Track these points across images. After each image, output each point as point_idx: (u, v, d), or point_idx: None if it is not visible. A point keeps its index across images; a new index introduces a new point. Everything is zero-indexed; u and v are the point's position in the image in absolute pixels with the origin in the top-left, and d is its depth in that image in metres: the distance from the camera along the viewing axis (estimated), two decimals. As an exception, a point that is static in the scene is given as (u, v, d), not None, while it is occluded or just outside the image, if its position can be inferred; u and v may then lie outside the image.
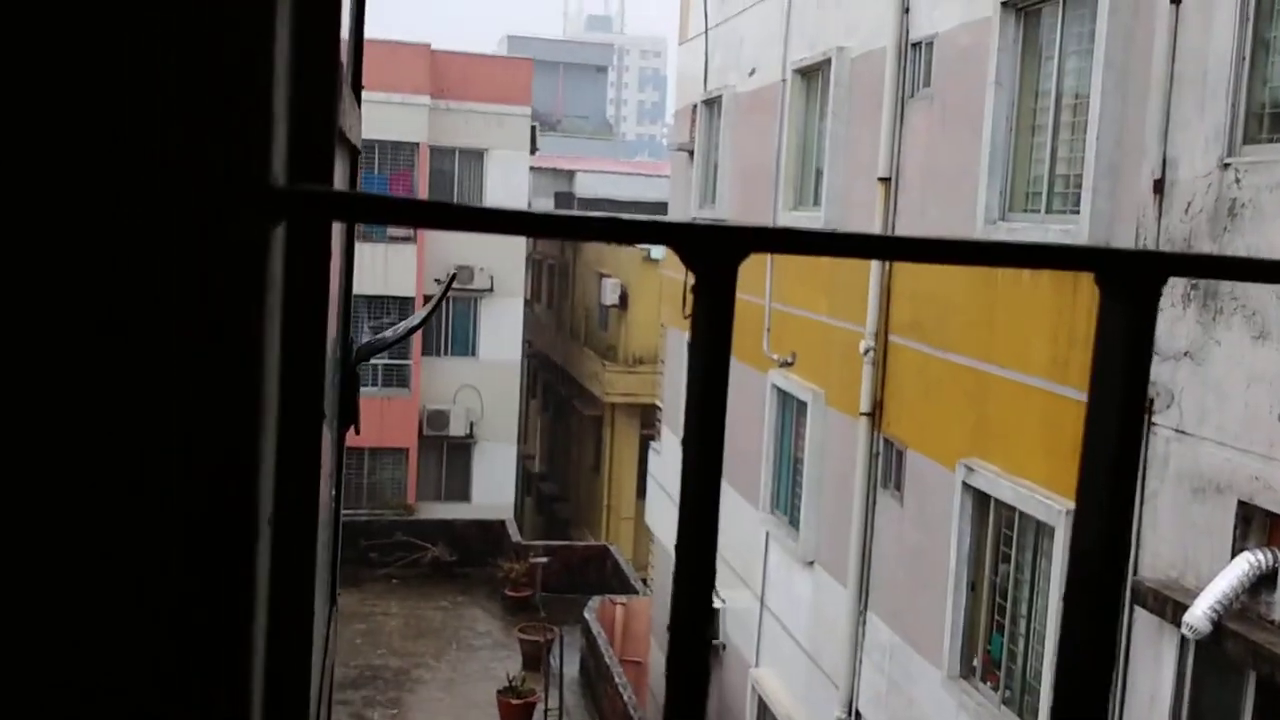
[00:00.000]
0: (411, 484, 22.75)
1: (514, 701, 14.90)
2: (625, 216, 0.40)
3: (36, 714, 0.46)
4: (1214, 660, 5.66)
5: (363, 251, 20.86)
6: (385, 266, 21.53)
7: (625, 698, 13.84)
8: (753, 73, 12.48)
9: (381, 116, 20.78)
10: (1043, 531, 7.20)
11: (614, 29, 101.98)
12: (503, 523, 21.71)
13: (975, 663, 7.97)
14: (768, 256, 11.37)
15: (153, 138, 0.45)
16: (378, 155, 22.14)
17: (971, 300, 8.01)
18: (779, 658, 11.36)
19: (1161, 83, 6.09)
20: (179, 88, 0.45)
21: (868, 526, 9.40)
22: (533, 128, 23.84)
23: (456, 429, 22.83)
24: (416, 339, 22.14)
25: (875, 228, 9.16)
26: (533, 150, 24.03)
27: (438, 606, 19.28)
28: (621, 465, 22.44)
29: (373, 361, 21.84)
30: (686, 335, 0.50)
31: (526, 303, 25.70)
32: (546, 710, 14.80)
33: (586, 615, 16.39)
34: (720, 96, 13.35)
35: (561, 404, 26.37)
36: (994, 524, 7.75)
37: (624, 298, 22.32)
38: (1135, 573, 6.14)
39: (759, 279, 11.56)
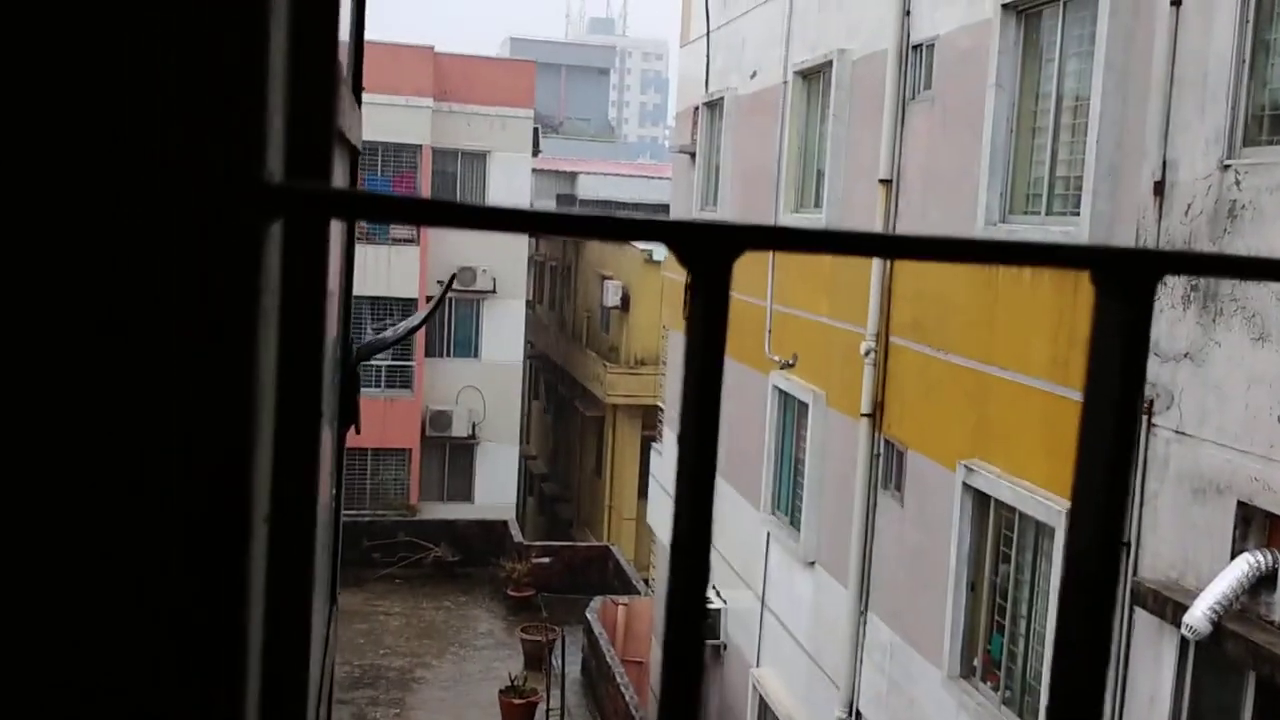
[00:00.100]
0: (414, 484, 22.77)
1: (516, 701, 14.91)
2: (620, 215, 0.41)
3: (36, 714, 0.46)
4: (1214, 661, 5.67)
5: (366, 253, 20.91)
6: (388, 268, 21.55)
7: (627, 697, 13.85)
8: (754, 75, 12.50)
9: (384, 119, 20.81)
10: (1043, 532, 7.22)
11: (616, 31, 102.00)
12: (505, 523, 21.73)
13: (975, 663, 7.98)
14: (769, 258, 11.39)
15: (147, 135, 0.45)
16: (381, 157, 22.17)
17: (972, 301, 8.03)
18: (780, 658, 11.37)
19: (1162, 85, 6.11)
20: (173, 85, 0.45)
21: (868, 527, 9.42)
22: (535, 130, 23.87)
23: (459, 430, 22.85)
24: (419, 340, 22.16)
25: (876, 230, 9.18)
26: (535, 152, 24.05)
27: (440, 606, 19.29)
28: (623, 466, 22.45)
29: (376, 362, 21.86)
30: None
31: (529, 304, 25.72)
32: (548, 710, 14.81)
33: (588, 615, 16.40)
34: (722, 98, 13.37)
35: (563, 405, 26.38)
36: (994, 524, 7.76)
37: (626, 299, 22.33)
38: (1135, 573, 6.15)
39: (760, 280, 11.57)
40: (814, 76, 11.03)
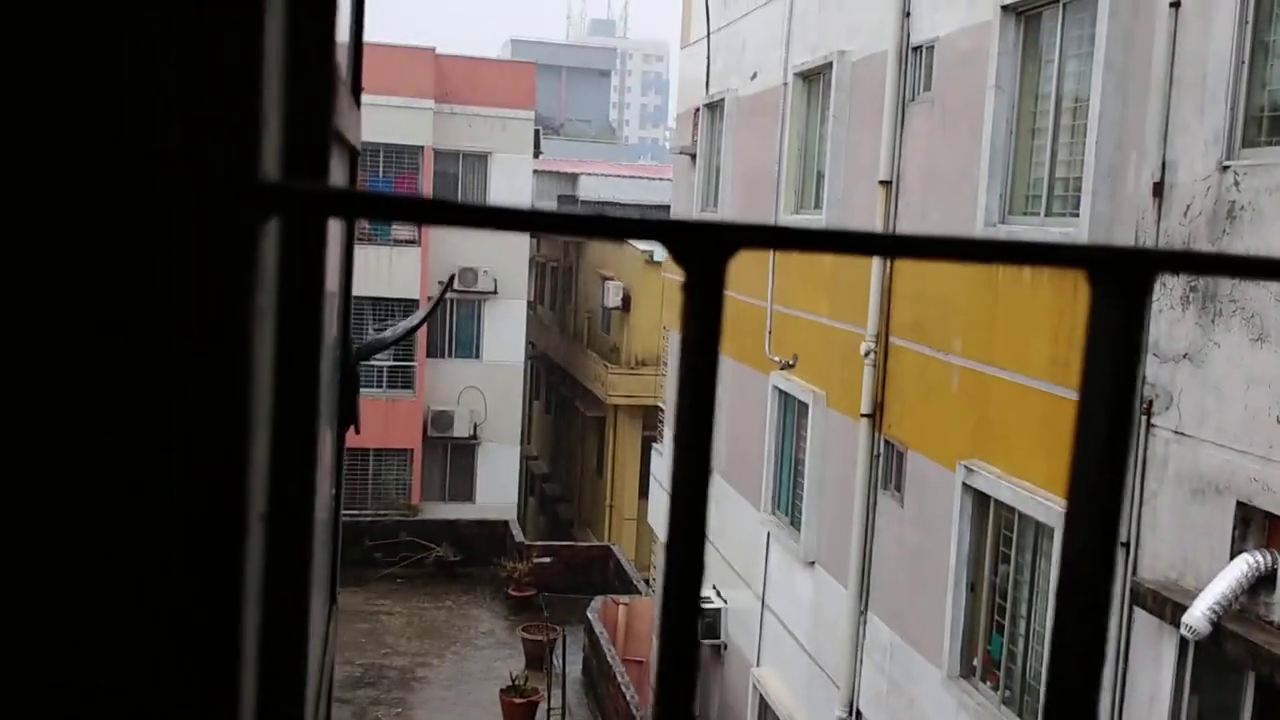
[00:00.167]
0: (416, 484, 22.78)
1: (517, 701, 14.92)
2: (614, 215, 0.42)
3: (36, 714, 0.46)
4: (1213, 661, 5.68)
5: (367, 254, 20.93)
6: (390, 268, 21.57)
7: (627, 697, 13.86)
8: (754, 76, 12.51)
9: (386, 120, 20.83)
10: (1042, 532, 7.23)
11: (617, 33, 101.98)
12: (506, 523, 21.74)
13: (975, 663, 7.99)
14: (769, 259, 11.40)
15: (140, 134, 0.45)
16: (382, 159, 22.19)
17: (972, 302, 8.04)
18: (780, 657, 11.38)
19: (1161, 86, 6.12)
20: (168, 85, 0.45)
21: (868, 527, 9.43)
22: (536, 131, 23.88)
23: (460, 430, 22.86)
24: (421, 341, 22.17)
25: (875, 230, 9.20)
26: (536, 154, 24.06)
27: (441, 606, 19.30)
28: (624, 466, 22.46)
29: (377, 363, 21.88)
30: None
31: (530, 305, 25.73)
32: (549, 709, 14.82)
33: (589, 615, 16.41)
34: (722, 100, 13.38)
35: (564, 405, 26.39)
36: (994, 525, 7.77)
37: (626, 300, 22.34)
38: (1135, 573, 6.16)
39: (761, 281, 11.59)
40: (814, 78, 11.04)
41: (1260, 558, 5.31)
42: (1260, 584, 5.33)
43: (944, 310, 8.43)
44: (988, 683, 7.83)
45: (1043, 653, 7.18)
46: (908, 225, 9.02)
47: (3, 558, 0.45)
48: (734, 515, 12.78)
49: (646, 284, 21.09)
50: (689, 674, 0.41)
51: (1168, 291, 6.14)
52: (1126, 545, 6.24)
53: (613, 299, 22.54)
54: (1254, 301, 5.53)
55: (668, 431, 15.54)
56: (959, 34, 8.39)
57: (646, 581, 17.89)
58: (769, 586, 11.66)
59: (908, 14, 9.06)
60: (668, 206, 20.79)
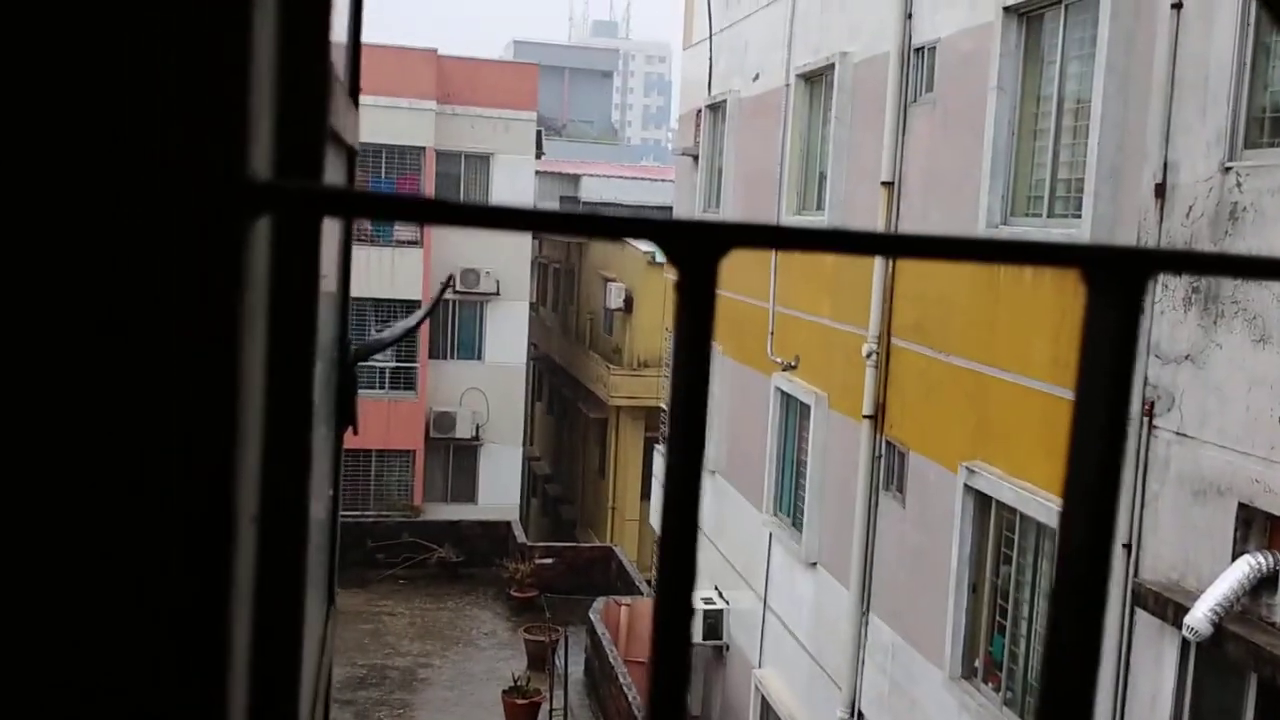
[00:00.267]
0: (418, 485, 22.79)
1: (519, 701, 14.93)
2: (608, 214, 0.42)
3: (36, 714, 0.46)
4: (1215, 662, 5.67)
5: (369, 255, 20.94)
6: (392, 269, 21.59)
7: (629, 698, 13.86)
8: (757, 78, 12.52)
9: (388, 121, 20.85)
10: (1044, 533, 7.22)
11: (619, 34, 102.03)
12: (508, 524, 21.74)
13: (977, 664, 7.99)
14: (770, 260, 11.40)
15: (126, 132, 0.44)
16: (384, 160, 22.21)
17: (973, 303, 8.04)
18: (782, 658, 11.38)
19: (1163, 87, 6.12)
20: (158, 83, 0.44)
21: (870, 528, 9.43)
22: (538, 132, 23.89)
23: (462, 431, 22.87)
24: (423, 342, 22.18)
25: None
26: (538, 155, 24.07)
27: (443, 607, 19.31)
28: (626, 467, 22.46)
29: (379, 364, 21.89)
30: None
31: (532, 306, 25.74)
32: (551, 710, 14.83)
33: (591, 616, 16.42)
34: (724, 101, 13.39)
35: (567, 407, 26.40)
36: (995, 526, 7.77)
37: (629, 301, 22.35)
38: (1136, 575, 6.16)
39: (763, 283, 11.59)
40: (816, 79, 11.05)
41: (1262, 559, 5.31)
42: (1262, 585, 5.33)
43: (945, 311, 8.43)
44: (989, 684, 7.83)
45: (1044, 654, 7.17)
46: (910, 226, 9.02)
47: (3, 557, 0.45)
48: (736, 516, 12.78)
49: (649, 285, 21.10)
50: (680, 674, 0.41)
51: (1170, 293, 6.14)
52: (1128, 546, 6.23)
53: (615, 300, 22.55)
54: (1256, 303, 5.53)
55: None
56: (961, 35, 8.40)
57: (648, 582, 17.90)
58: (771, 587, 11.66)
59: (909, 15, 9.06)
60: (670, 208, 20.79)
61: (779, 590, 11.48)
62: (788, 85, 11.49)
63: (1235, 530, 5.54)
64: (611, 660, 14.89)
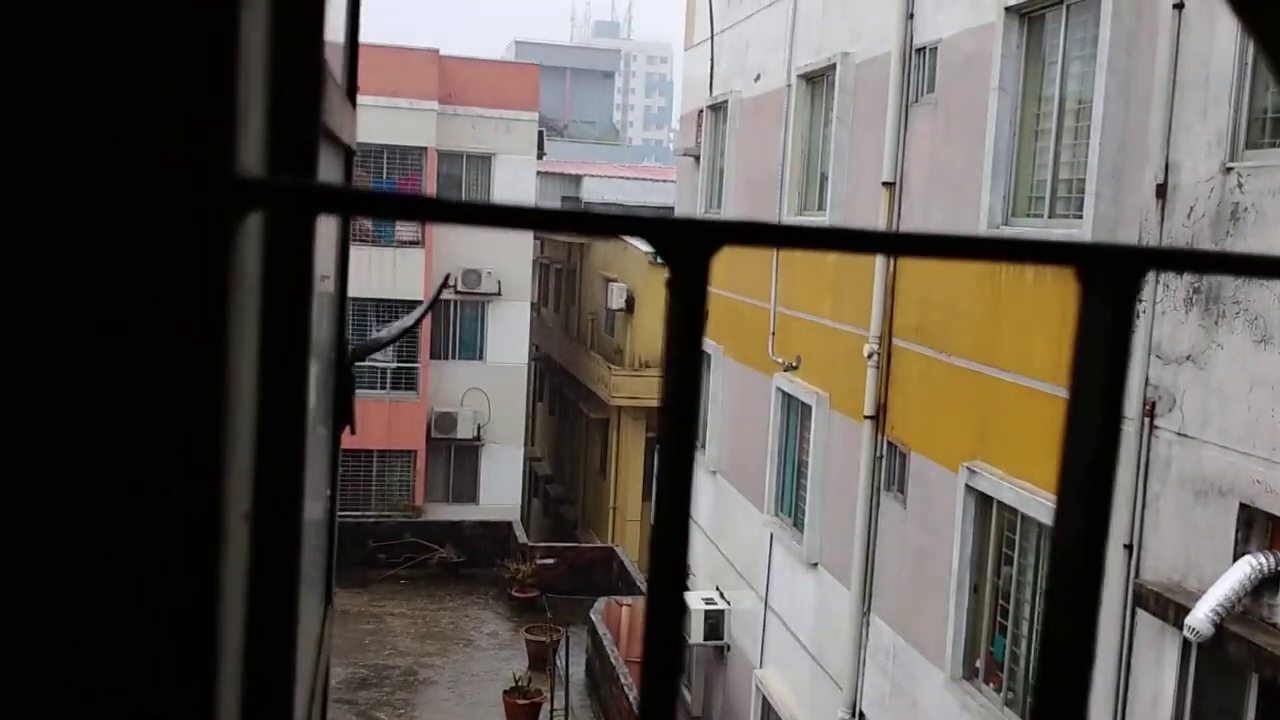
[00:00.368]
0: (419, 486, 22.80)
1: (520, 702, 14.93)
2: (600, 211, 0.42)
3: (36, 714, 0.46)
4: (1216, 663, 5.67)
5: (371, 255, 20.95)
6: (394, 270, 21.59)
7: (630, 698, 13.86)
8: (758, 78, 12.52)
9: (389, 122, 20.86)
10: (1045, 534, 7.22)
11: (621, 35, 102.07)
12: (509, 524, 21.75)
13: (978, 664, 7.98)
14: (772, 261, 11.40)
15: (113, 128, 0.44)
16: (386, 160, 22.22)
17: (975, 304, 8.04)
18: (783, 659, 11.38)
19: (1164, 87, 6.12)
20: (149, 79, 0.44)
21: (871, 529, 9.43)
22: (540, 133, 23.90)
23: (464, 431, 22.88)
24: (424, 342, 22.19)
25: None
26: (540, 155, 24.08)
27: (445, 607, 19.32)
28: (627, 468, 22.46)
29: (381, 365, 21.90)
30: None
31: (533, 307, 25.75)
32: (552, 711, 14.83)
33: (592, 616, 16.42)
34: (726, 102, 13.39)
35: (568, 407, 26.41)
36: (996, 526, 7.77)
37: (630, 302, 22.36)
38: (1137, 575, 6.16)
39: (764, 283, 11.59)
40: (818, 80, 11.05)
41: (1263, 560, 5.30)
42: (1263, 586, 5.33)
43: (947, 312, 8.43)
44: (990, 684, 7.82)
45: (1045, 655, 7.17)
46: (911, 227, 9.02)
47: (3, 557, 0.45)
48: (737, 516, 12.78)
49: (650, 286, 21.10)
50: (672, 671, 0.41)
51: (1171, 294, 6.13)
52: (1129, 547, 6.23)
53: (616, 301, 22.55)
54: (1257, 304, 5.52)
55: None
56: (962, 36, 8.39)
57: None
58: (772, 588, 11.66)
59: (911, 16, 9.06)
60: (671, 208, 20.80)
61: (780, 591, 11.47)
62: (789, 86, 11.49)
63: (1236, 531, 5.54)
64: (612, 660, 14.89)
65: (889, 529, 9.23)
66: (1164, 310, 6.14)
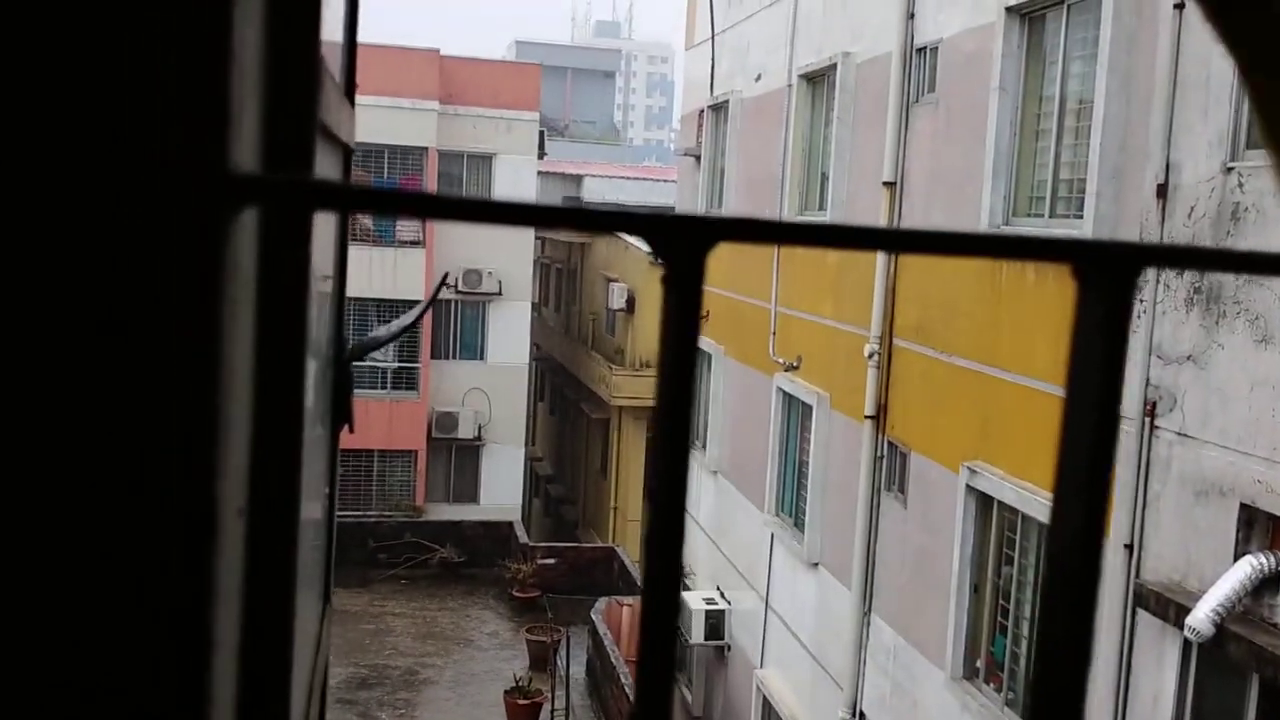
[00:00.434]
0: (420, 486, 22.81)
1: (521, 702, 14.93)
2: (594, 207, 0.42)
3: (36, 714, 0.46)
4: (1217, 663, 5.67)
5: (372, 255, 20.96)
6: (394, 270, 21.60)
7: (631, 698, 13.85)
8: (759, 78, 12.52)
9: (390, 121, 20.86)
10: (1045, 533, 7.21)
11: (622, 35, 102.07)
12: (510, 524, 21.75)
13: (979, 664, 7.98)
14: (773, 261, 11.40)
15: (107, 124, 0.44)
16: (387, 160, 22.23)
17: (976, 304, 8.03)
18: (784, 659, 11.38)
19: (1165, 87, 6.11)
20: (127, 70, 0.44)
21: (872, 529, 9.42)
22: (541, 133, 23.90)
23: (465, 431, 22.88)
24: (425, 342, 22.19)
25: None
26: (540, 155, 24.08)
27: (445, 607, 19.32)
28: (628, 468, 22.46)
29: (381, 365, 21.91)
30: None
31: (534, 306, 25.75)
32: (553, 710, 14.83)
33: (593, 616, 16.42)
34: (727, 102, 13.39)
35: (569, 407, 26.41)
36: (997, 526, 7.77)
37: (631, 302, 22.36)
38: (1138, 575, 6.15)
39: (765, 283, 11.59)
40: (818, 79, 11.05)
41: (1264, 560, 5.30)
42: (1264, 586, 5.33)
43: (947, 312, 8.43)
44: (991, 684, 7.82)
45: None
46: (912, 226, 9.02)
47: (3, 557, 0.45)
48: (738, 516, 12.78)
49: (651, 285, 21.10)
50: (667, 669, 0.41)
51: (1171, 293, 6.13)
52: (1130, 547, 6.23)
53: (617, 301, 22.55)
54: (1258, 303, 5.52)
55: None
56: (963, 35, 8.39)
57: (650, 583, 17.89)
58: (772, 588, 11.66)
59: (912, 16, 9.06)
60: (673, 208, 20.79)
61: (781, 591, 11.47)
62: (790, 85, 11.49)
63: (1237, 531, 5.54)
64: (613, 660, 14.89)
65: (889, 529, 9.23)
66: (1165, 310, 6.14)
